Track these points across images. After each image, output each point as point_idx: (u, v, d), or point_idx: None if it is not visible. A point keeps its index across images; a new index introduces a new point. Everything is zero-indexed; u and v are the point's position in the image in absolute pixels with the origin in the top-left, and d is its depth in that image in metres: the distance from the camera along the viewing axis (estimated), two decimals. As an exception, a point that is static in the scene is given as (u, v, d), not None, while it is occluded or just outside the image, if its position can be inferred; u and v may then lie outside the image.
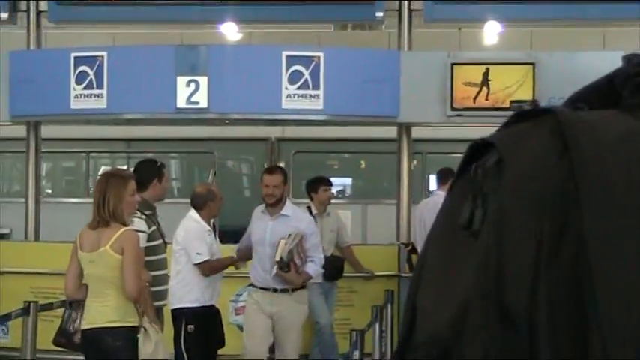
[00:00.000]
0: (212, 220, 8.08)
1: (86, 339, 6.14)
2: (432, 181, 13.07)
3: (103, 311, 6.03)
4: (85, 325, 6.13)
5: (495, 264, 1.12)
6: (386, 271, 10.24)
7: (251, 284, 8.06)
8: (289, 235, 7.65)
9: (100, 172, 14.28)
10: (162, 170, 7.32)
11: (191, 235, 7.80)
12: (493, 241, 1.13)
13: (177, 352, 7.70)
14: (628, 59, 1.28)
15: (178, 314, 7.72)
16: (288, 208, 7.98)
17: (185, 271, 7.75)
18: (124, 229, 6.01)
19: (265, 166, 14.45)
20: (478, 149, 1.21)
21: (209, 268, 7.77)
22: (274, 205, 7.89)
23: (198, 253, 7.74)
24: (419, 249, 9.71)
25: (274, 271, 7.66)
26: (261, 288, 7.88)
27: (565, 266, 1.10)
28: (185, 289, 7.71)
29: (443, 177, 10.04)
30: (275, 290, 7.82)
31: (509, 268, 1.12)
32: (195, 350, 7.66)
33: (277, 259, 7.59)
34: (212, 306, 7.85)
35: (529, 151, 1.16)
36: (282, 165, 14.81)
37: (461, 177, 1.23)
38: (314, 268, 7.92)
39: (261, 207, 8.08)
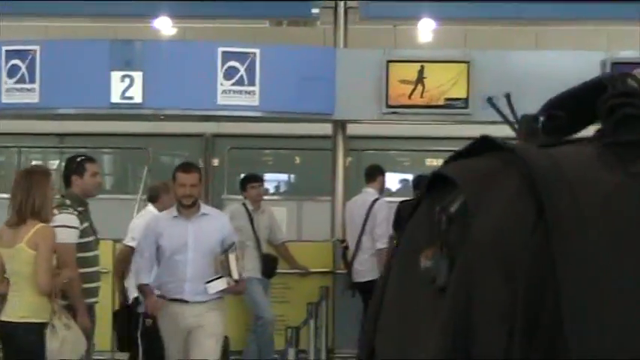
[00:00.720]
0: None
1: (3, 331, 6.26)
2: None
3: (19, 306, 6.16)
4: (2, 318, 6.25)
5: (462, 333, 1.02)
6: (321, 268, 10.23)
7: (161, 296, 7.07)
8: (231, 246, 6.92)
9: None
10: (85, 165, 7.11)
11: (142, 224, 7.84)
12: (461, 308, 1.02)
13: (134, 337, 7.83)
14: (615, 79, 1.11)
15: (138, 305, 7.85)
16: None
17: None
18: (39, 225, 6.09)
19: (200, 163, 14.43)
20: (437, 178, 1.11)
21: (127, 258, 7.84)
22: (191, 206, 7.07)
23: (132, 238, 7.90)
24: (350, 246, 9.74)
25: (220, 286, 6.88)
26: (177, 300, 7.01)
27: (542, 351, 0.99)
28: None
29: (370, 174, 10.05)
30: (193, 302, 6.97)
31: (478, 344, 1.01)
32: (150, 342, 7.64)
33: (236, 277, 6.82)
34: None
35: (499, 201, 1.03)
36: (216, 161, 14.75)
37: (418, 209, 1.12)
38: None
39: (167, 213, 7.29)
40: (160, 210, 7.99)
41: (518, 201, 1.02)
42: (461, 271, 1.02)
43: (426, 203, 1.11)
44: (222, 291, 6.94)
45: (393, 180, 15.73)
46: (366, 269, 9.72)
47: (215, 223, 7.11)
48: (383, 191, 10.20)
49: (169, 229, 7.10)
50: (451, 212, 1.05)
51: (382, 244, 9.57)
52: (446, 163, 1.13)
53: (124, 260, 8.10)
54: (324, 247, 10.46)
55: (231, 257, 6.83)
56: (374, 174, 10.01)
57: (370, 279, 9.66)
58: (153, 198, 8.42)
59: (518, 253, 1.00)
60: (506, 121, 1.19)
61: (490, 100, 1.28)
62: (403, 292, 1.09)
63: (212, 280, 6.84)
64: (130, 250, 7.87)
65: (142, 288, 7.18)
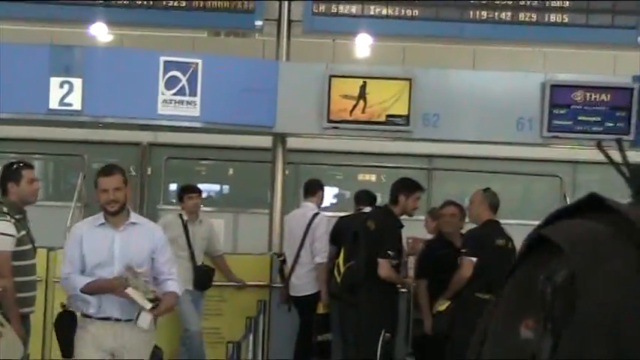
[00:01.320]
0: None
1: None
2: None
3: None
4: None
5: None
6: (258, 281, 10.17)
7: (85, 315, 6.32)
8: (126, 279, 6.13)
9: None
10: (21, 172, 6.92)
11: None
12: None
13: None
14: None
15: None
16: (135, 215, 6.56)
17: None
18: None
19: (132, 171, 14.27)
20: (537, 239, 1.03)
21: None
22: (118, 213, 6.32)
23: None
24: (289, 260, 9.71)
25: (147, 317, 6.18)
26: (100, 319, 6.26)
27: None
28: None
29: (309, 189, 10.02)
30: (118, 320, 6.25)
31: None
32: None
33: (148, 306, 6.11)
34: None
35: (612, 277, 0.96)
36: (149, 170, 14.61)
37: (519, 270, 1.05)
38: (176, 285, 6.49)
39: (90, 221, 6.51)
40: None
41: (633, 278, 0.95)
42: (568, 349, 0.96)
43: (528, 266, 1.04)
44: (155, 319, 6.32)
45: (330, 194, 15.75)
46: (303, 283, 9.69)
47: (145, 233, 6.38)
48: (321, 205, 10.20)
49: (93, 238, 6.31)
50: (557, 283, 0.97)
51: (321, 258, 9.53)
52: (547, 221, 1.06)
53: None
54: (262, 260, 10.39)
55: (130, 292, 6.09)
56: (314, 188, 9.98)
57: (307, 293, 9.63)
58: None
59: (633, 337, 0.94)
60: (617, 169, 1.10)
61: (619, 141, 1.16)
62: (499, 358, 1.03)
63: (137, 317, 6.18)
64: None
65: (84, 291, 6.31)
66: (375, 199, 10.33)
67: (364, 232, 8.52)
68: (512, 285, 1.06)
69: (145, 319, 6.16)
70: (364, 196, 10.24)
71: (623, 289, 0.95)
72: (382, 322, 8.31)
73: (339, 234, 9.59)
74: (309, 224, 9.64)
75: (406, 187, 8.63)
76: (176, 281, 6.48)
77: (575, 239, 0.99)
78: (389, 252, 8.29)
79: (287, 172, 11.33)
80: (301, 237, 9.68)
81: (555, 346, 0.96)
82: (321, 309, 9.52)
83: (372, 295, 8.36)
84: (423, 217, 10.28)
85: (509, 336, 1.01)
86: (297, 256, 9.73)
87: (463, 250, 8.11)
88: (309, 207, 9.83)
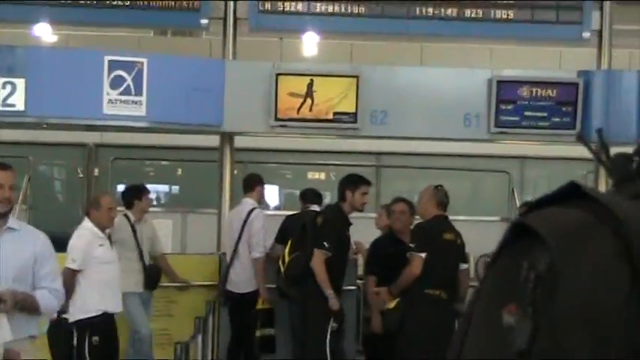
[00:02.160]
0: (107, 231, 8.31)
1: None
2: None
3: None
4: None
5: None
6: (206, 281, 10.14)
7: None
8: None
9: None
10: None
11: (75, 240, 8.15)
12: None
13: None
14: None
15: (80, 326, 8.01)
16: (13, 219, 5.71)
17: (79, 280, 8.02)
18: None
19: (79, 173, 14.14)
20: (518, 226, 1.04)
21: (69, 281, 7.66)
22: (6, 215, 5.56)
23: (72, 260, 8.01)
24: (227, 256, 9.66)
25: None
26: None
27: None
28: (81, 300, 8.02)
29: (248, 184, 9.99)
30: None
31: None
32: None
33: (9, 337, 5.18)
34: (111, 315, 8.20)
35: (590, 265, 0.97)
36: (96, 171, 14.48)
37: (500, 259, 1.05)
38: (49, 298, 5.54)
39: None
40: (95, 225, 8.21)
41: (611, 266, 0.96)
42: (545, 337, 0.96)
43: (510, 254, 1.03)
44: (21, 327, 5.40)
45: (279, 193, 15.72)
46: (242, 280, 9.66)
47: (25, 242, 5.53)
48: (262, 201, 10.15)
49: None
50: (539, 271, 0.98)
51: (258, 253, 9.52)
52: (529, 209, 1.06)
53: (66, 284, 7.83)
54: (210, 260, 10.34)
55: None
56: (251, 184, 9.95)
57: (246, 290, 9.59)
58: (86, 212, 8.61)
59: (610, 325, 0.94)
60: (598, 159, 1.12)
61: (600, 132, 1.17)
62: (482, 348, 1.02)
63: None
64: (71, 273, 7.96)
65: None
66: (320, 197, 10.36)
67: (312, 226, 8.56)
68: (494, 274, 1.05)
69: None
70: (310, 195, 10.29)
71: (601, 278, 0.96)
72: (328, 316, 8.33)
73: (287, 232, 9.59)
74: (246, 219, 9.61)
75: (352, 182, 8.70)
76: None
77: (556, 227, 1.00)
78: (325, 244, 8.32)
79: (235, 171, 11.27)
80: (239, 233, 9.66)
81: (534, 335, 0.97)
82: (260, 304, 9.50)
83: (317, 289, 8.37)
84: (373, 215, 10.30)
85: (491, 325, 1.00)
86: (235, 251, 9.71)
87: (412, 245, 8.12)
88: (247, 203, 9.81)
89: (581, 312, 0.96)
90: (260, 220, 9.63)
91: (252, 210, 9.67)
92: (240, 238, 9.66)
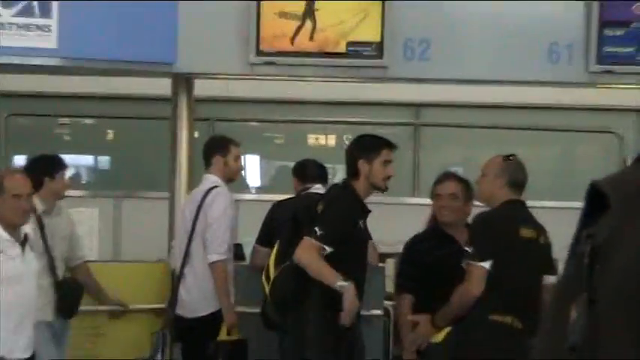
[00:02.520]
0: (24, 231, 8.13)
1: None
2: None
3: None
4: None
5: None
6: (152, 303, 10.19)
7: None
8: None
9: None
10: None
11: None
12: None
13: None
14: None
15: None
16: None
17: None
18: None
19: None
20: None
21: None
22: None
23: None
24: (177, 259, 9.61)
25: None
26: None
27: None
28: None
29: (208, 152, 9.83)
30: None
31: None
32: None
33: None
34: None
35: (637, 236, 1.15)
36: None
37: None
38: None
39: None
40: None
41: None
42: (587, 329, 1.17)
43: (581, 227, 1.27)
44: None
45: (264, 168, 15.71)
46: (194, 299, 9.66)
47: None
48: (232, 178, 10.02)
49: None
50: (596, 243, 1.22)
51: (217, 254, 9.51)
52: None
53: None
54: (157, 270, 10.40)
55: None
56: (212, 151, 9.86)
57: (200, 314, 9.56)
58: None
59: None
60: None
61: None
62: (550, 349, 1.25)
63: None
64: None
65: None
66: (326, 172, 10.30)
67: (309, 218, 8.50)
68: (569, 258, 1.31)
69: None
70: (311, 169, 10.21)
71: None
72: (337, 351, 8.33)
73: (274, 228, 9.54)
74: (201, 204, 9.63)
75: (366, 148, 8.61)
76: None
77: (620, 188, 1.20)
78: (317, 230, 8.22)
79: (196, 133, 11.34)
80: (191, 225, 9.67)
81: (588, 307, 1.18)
82: (223, 334, 9.50)
83: (320, 314, 8.34)
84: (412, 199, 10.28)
85: (557, 323, 1.22)
86: (187, 253, 9.73)
87: (469, 250, 8.07)
88: (208, 180, 9.75)
89: (624, 288, 1.15)
90: (221, 203, 9.62)
91: (210, 189, 9.71)
92: (192, 232, 9.69)
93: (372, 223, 8.85)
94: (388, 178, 8.62)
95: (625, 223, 1.18)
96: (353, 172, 8.59)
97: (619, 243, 1.17)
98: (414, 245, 9.09)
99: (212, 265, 9.50)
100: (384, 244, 9.96)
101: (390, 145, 8.72)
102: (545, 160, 15.08)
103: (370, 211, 8.65)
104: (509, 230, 8.12)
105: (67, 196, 9.92)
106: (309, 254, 8.24)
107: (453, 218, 8.84)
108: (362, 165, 8.55)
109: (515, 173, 8.29)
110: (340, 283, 8.12)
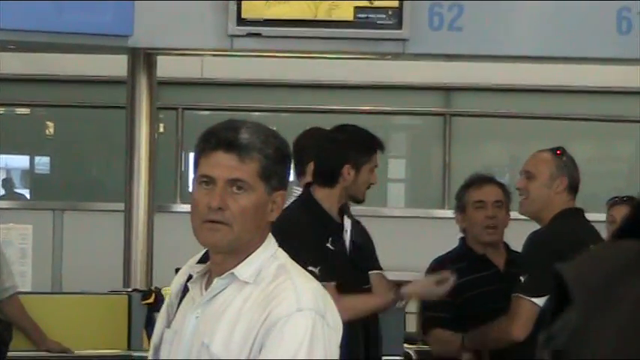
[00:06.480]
0: None
1: None
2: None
3: None
4: None
5: None
6: (106, 348, 10.12)
7: None
8: None
9: None
10: None
11: None
12: None
13: None
14: None
15: None
16: None
17: None
18: None
19: None
20: None
21: None
22: None
23: None
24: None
25: None
26: None
27: None
28: None
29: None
30: None
31: None
32: None
33: None
34: None
35: None
36: None
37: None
38: None
39: None
40: None
41: None
42: None
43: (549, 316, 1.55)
44: None
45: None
46: None
47: None
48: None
49: None
50: (558, 347, 1.58)
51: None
52: None
53: None
54: (112, 304, 10.35)
55: None
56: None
57: None
58: None
59: None
60: None
61: None
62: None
63: None
64: None
65: None
66: None
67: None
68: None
69: None
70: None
71: None
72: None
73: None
74: None
75: (358, 149, 8.34)
76: None
77: (587, 282, 1.63)
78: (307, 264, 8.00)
79: (161, 126, 11.19)
80: None
81: None
82: None
83: None
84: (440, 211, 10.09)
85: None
86: None
87: (521, 278, 7.88)
88: None
89: None
90: None
91: None
92: None
93: (388, 245, 8.64)
94: (370, 185, 8.40)
95: (590, 318, 1.40)
96: (328, 177, 8.26)
97: (584, 343, 1.39)
98: (442, 266, 8.94)
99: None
100: (406, 270, 9.79)
101: (382, 147, 8.54)
102: (615, 159, 15.07)
103: (342, 226, 8.34)
104: (576, 252, 7.90)
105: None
106: (336, 303, 8.02)
107: (500, 236, 8.70)
108: (347, 171, 8.25)
109: (574, 173, 8.13)
110: (388, 297, 8.19)
